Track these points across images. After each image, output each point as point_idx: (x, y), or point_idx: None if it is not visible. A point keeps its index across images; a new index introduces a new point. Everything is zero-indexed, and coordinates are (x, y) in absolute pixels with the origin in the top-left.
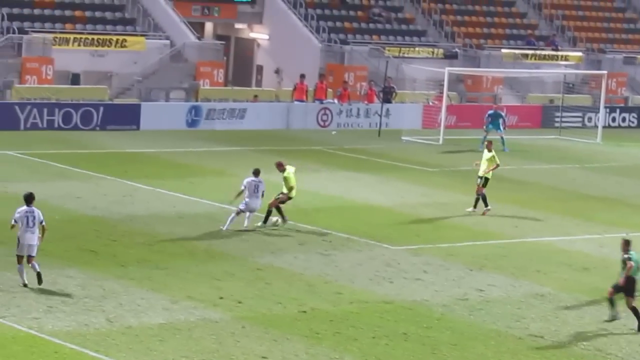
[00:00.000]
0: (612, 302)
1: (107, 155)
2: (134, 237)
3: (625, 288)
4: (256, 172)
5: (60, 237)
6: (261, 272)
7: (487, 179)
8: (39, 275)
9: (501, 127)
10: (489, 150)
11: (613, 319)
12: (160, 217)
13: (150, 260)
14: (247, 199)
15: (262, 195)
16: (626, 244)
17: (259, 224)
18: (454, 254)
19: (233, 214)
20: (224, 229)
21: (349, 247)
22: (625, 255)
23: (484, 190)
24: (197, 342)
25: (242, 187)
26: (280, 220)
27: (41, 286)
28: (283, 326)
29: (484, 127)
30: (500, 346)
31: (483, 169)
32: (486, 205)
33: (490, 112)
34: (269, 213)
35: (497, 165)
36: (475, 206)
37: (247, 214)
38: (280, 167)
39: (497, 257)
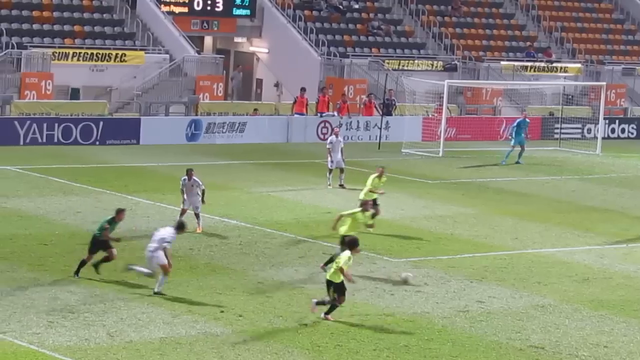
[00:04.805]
0: None
1: (107, 170)
2: (135, 252)
3: None
4: (336, 134)
5: (61, 252)
6: (262, 285)
7: None
8: None
9: (523, 138)
10: None
11: None
12: None
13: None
14: (332, 155)
15: (342, 152)
16: None
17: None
18: (454, 266)
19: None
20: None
21: None
22: None
23: None
24: (199, 356)
25: (328, 146)
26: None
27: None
28: (284, 339)
29: (510, 138)
30: (501, 358)
31: None
32: None
33: (520, 120)
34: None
35: None
36: None
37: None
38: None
39: (498, 269)
